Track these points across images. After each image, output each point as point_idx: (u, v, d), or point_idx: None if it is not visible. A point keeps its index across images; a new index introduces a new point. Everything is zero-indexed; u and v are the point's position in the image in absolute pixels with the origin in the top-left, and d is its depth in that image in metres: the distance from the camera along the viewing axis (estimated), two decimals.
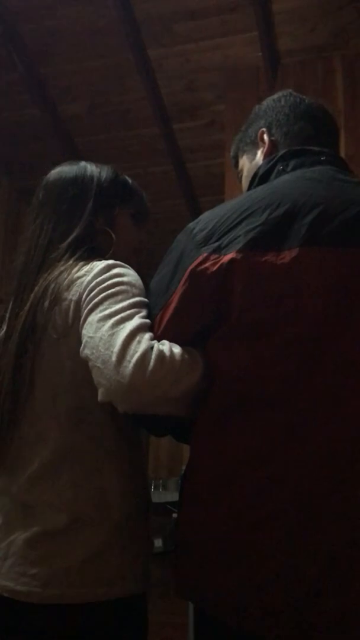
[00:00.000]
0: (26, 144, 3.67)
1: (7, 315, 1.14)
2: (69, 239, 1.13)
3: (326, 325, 0.90)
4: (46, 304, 1.06)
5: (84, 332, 0.99)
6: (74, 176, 1.21)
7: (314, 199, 0.95)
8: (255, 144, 1.21)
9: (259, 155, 1.19)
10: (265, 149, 1.17)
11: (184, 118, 3.48)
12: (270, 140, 1.17)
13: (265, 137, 1.18)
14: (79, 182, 1.20)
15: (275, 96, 1.23)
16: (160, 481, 5.57)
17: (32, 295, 1.09)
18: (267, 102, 1.23)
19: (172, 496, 5.12)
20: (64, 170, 1.23)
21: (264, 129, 1.19)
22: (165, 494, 5.25)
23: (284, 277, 0.91)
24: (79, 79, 3.26)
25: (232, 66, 3.13)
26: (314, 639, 0.85)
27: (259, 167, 1.12)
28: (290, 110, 1.18)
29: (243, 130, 1.26)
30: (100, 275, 1.03)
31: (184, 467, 1.03)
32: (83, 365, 0.98)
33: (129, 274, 1.05)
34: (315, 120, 1.17)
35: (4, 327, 1.14)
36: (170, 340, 0.95)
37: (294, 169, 1.06)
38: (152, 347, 0.91)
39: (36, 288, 1.09)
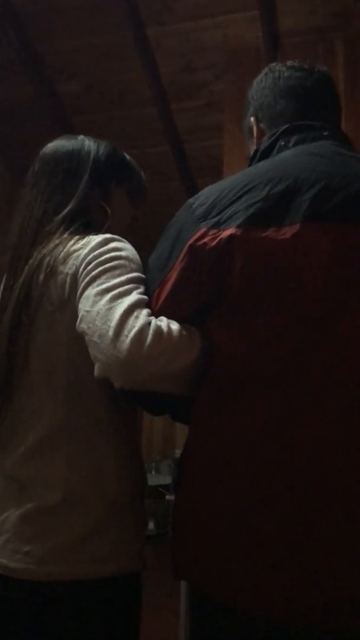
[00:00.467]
0: (21, 123, 3.62)
1: (1, 287, 1.13)
2: (64, 212, 1.12)
3: (327, 303, 0.89)
4: (41, 277, 1.05)
5: (80, 305, 0.97)
6: (70, 149, 1.20)
7: (316, 175, 0.93)
8: (251, 134, 1.19)
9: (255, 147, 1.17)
10: (255, 142, 1.16)
11: (182, 98, 3.44)
12: (259, 129, 1.15)
13: (254, 128, 1.16)
14: (76, 156, 1.19)
15: (259, 77, 1.19)
16: (153, 464, 5.61)
17: (27, 267, 1.08)
18: (253, 85, 1.20)
19: (165, 479, 5.15)
20: (61, 143, 1.22)
21: (252, 119, 1.17)
22: (157, 477, 5.29)
23: (285, 254, 0.89)
24: (76, 56, 3.21)
25: (231, 46, 3.09)
26: (312, 623, 0.85)
27: (260, 143, 1.11)
28: (270, 91, 1.14)
29: (244, 119, 1.24)
30: (98, 249, 1.02)
31: (177, 451, 1.02)
32: (79, 340, 0.97)
33: (127, 249, 1.04)
34: (297, 94, 1.12)
35: None
36: (168, 318, 0.94)
37: (295, 144, 1.04)
38: (149, 323, 0.90)
39: (31, 261, 1.08)
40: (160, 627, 3.03)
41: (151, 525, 5.01)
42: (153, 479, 4.99)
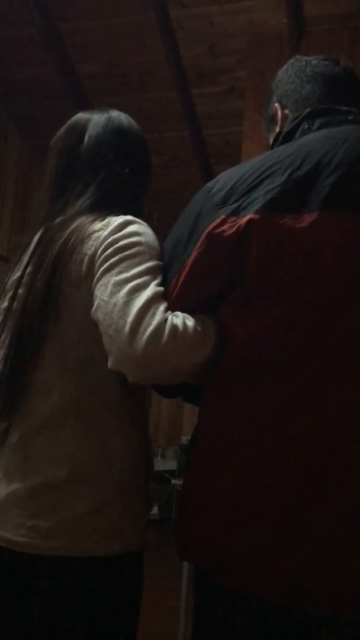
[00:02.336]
0: (40, 101, 3.61)
1: (29, 266, 1.11)
2: (94, 191, 1.12)
3: (340, 293, 0.89)
4: (64, 257, 1.05)
5: (97, 292, 0.97)
6: (118, 126, 1.18)
7: (338, 160, 0.92)
8: (274, 121, 1.18)
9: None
10: (279, 126, 1.14)
11: (203, 83, 3.41)
12: (284, 115, 1.14)
13: (279, 113, 1.15)
14: (124, 134, 1.17)
15: (284, 67, 1.19)
16: (159, 449, 5.64)
17: (53, 246, 1.07)
18: (278, 74, 1.20)
19: (170, 464, 5.18)
20: (112, 116, 1.19)
21: (277, 105, 1.16)
22: (163, 462, 5.32)
23: (301, 242, 0.89)
24: (98, 36, 3.19)
25: (255, 31, 3.06)
26: (313, 606, 0.86)
27: (284, 126, 1.09)
28: (296, 77, 1.14)
29: (264, 109, 1.23)
30: (117, 232, 1.02)
31: (183, 437, 1.02)
32: (93, 321, 0.97)
33: (147, 233, 1.03)
34: (324, 79, 1.11)
35: (18, 271, 1.13)
36: (185, 304, 0.95)
37: (319, 127, 1.03)
38: (165, 320, 0.91)
39: (58, 239, 1.07)
40: (160, 609, 3.06)
41: (155, 509, 5.05)
42: (159, 464, 5.02)
